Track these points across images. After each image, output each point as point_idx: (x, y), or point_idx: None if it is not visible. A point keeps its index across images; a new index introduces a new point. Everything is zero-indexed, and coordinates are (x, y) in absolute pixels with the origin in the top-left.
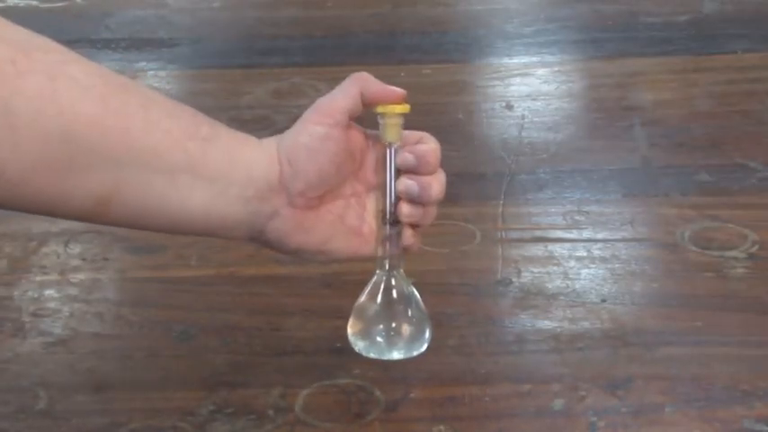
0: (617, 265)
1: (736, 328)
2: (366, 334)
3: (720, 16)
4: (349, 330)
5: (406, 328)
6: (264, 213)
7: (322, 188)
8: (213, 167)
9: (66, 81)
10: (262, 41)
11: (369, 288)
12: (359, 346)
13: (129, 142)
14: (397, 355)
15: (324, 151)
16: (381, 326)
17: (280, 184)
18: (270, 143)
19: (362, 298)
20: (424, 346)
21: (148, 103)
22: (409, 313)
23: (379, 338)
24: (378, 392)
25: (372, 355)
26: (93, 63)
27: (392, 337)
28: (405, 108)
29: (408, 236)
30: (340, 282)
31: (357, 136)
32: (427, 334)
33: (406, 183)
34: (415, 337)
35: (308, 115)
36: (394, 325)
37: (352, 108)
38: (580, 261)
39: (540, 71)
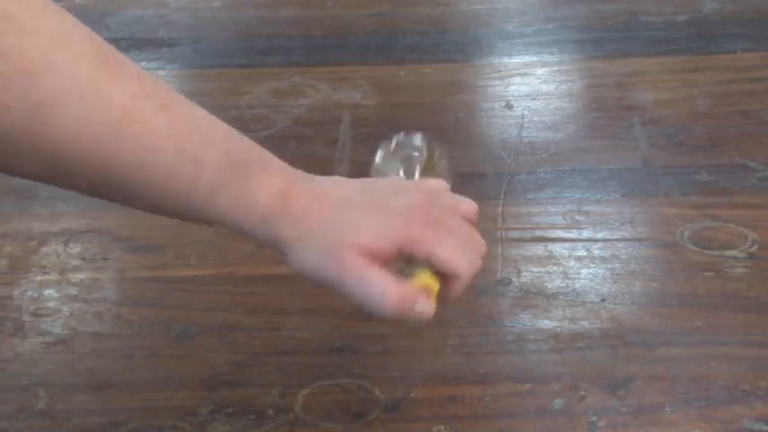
0: (617, 265)
1: (736, 328)
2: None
3: (720, 16)
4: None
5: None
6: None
7: None
8: (206, 221)
9: (58, 122)
10: (262, 41)
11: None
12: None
13: (117, 184)
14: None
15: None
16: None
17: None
18: (281, 233)
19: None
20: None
21: (151, 150)
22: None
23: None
24: (378, 392)
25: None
26: (104, 91)
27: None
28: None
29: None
30: None
31: None
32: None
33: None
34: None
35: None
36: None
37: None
38: (580, 261)
39: (540, 71)
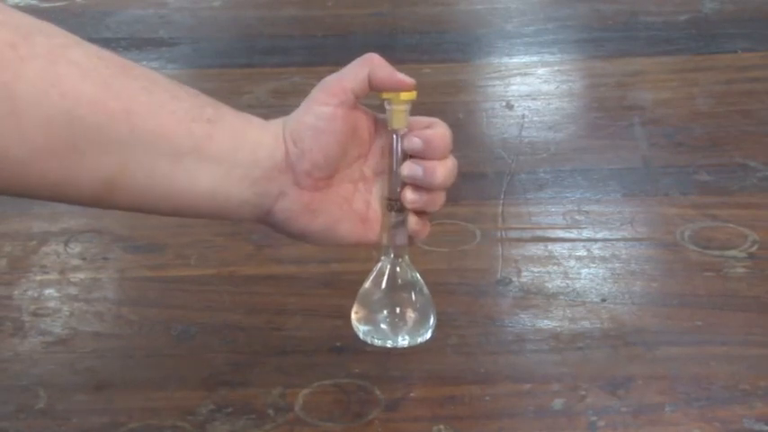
0: (617, 265)
1: (736, 328)
2: (370, 320)
3: (720, 16)
4: (353, 316)
5: (410, 315)
6: (271, 194)
7: (328, 169)
8: (218, 149)
9: (68, 64)
10: (262, 41)
11: (373, 275)
12: (362, 332)
13: (132, 124)
14: (401, 341)
15: (329, 131)
16: (385, 312)
17: (286, 164)
18: (276, 123)
19: (367, 284)
20: (429, 334)
21: (152, 85)
22: (414, 300)
23: (383, 325)
24: (378, 392)
25: (377, 342)
26: (94, 46)
27: (396, 324)
28: (411, 95)
29: (413, 223)
30: (340, 281)
31: (364, 118)
32: (432, 321)
33: (411, 167)
34: (420, 325)
35: (315, 95)
36: (398, 311)
37: (359, 90)
38: (580, 261)
39: (541, 70)
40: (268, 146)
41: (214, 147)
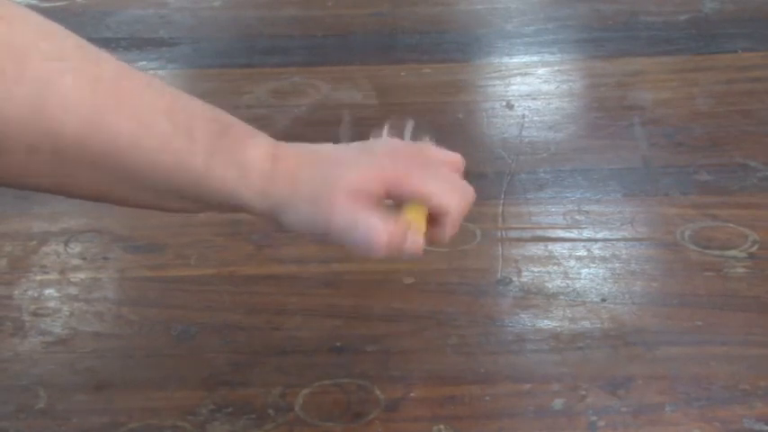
0: (617, 265)
1: (737, 328)
2: None
3: (721, 16)
4: None
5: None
6: (266, 220)
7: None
8: (204, 198)
9: (56, 95)
10: (262, 41)
11: None
12: None
13: (116, 160)
14: None
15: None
16: None
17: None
18: (275, 194)
19: None
20: None
21: (144, 120)
22: None
23: None
24: (378, 392)
25: None
26: (91, 71)
27: None
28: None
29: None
30: (340, 281)
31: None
32: None
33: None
34: None
35: (322, 193)
36: None
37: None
38: (580, 260)
39: (541, 70)
40: (259, 206)
41: (200, 195)
